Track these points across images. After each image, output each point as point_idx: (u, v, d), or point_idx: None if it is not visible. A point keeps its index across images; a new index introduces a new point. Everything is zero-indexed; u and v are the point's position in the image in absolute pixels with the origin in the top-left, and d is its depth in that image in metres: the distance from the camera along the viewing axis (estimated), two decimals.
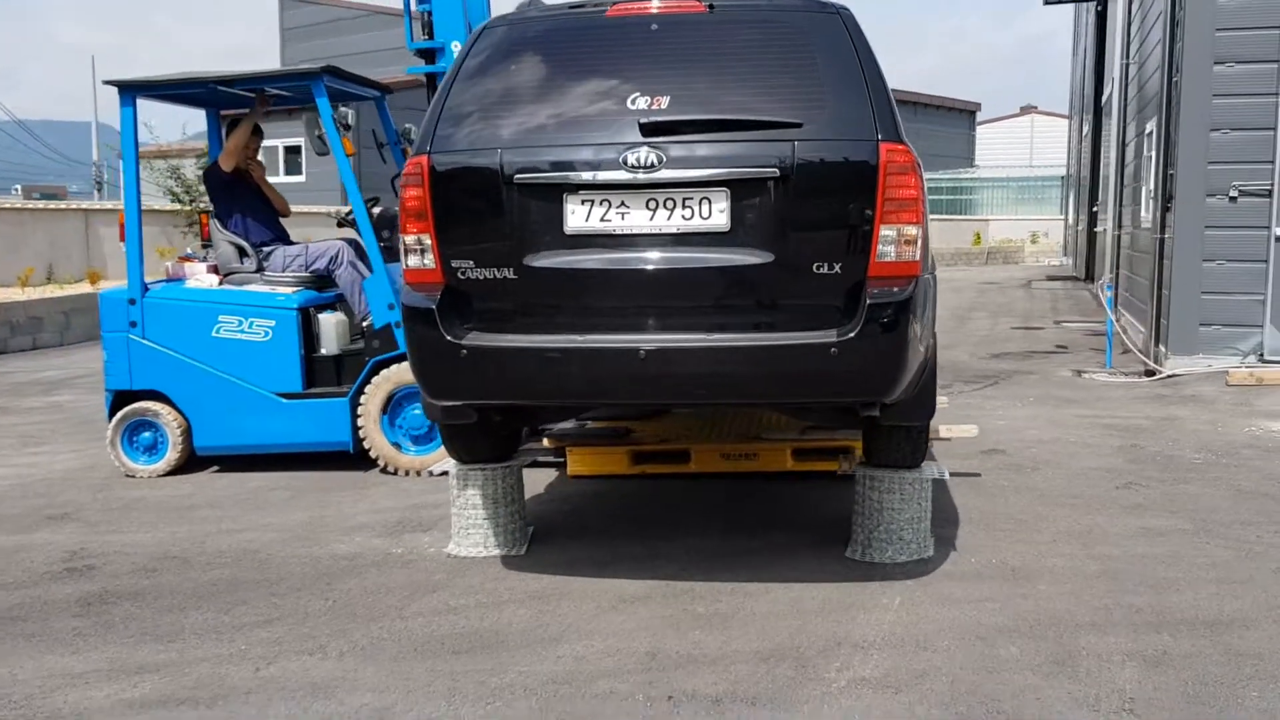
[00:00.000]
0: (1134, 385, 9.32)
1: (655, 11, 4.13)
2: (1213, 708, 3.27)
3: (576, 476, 6.17)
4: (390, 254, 6.62)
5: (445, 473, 5.18)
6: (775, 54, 4.04)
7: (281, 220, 7.21)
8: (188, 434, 6.64)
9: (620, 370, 3.92)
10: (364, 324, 6.85)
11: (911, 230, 3.89)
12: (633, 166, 3.89)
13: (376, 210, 6.96)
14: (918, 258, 3.92)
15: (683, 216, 3.93)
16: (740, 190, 3.90)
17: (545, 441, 5.98)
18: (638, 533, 5.20)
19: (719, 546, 4.95)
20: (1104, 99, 18.18)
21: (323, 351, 6.64)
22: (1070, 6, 24.14)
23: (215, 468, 6.80)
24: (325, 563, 4.88)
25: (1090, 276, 21.24)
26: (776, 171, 3.86)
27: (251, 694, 3.53)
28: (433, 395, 4.21)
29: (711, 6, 4.10)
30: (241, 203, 6.92)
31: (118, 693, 3.57)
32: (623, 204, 3.96)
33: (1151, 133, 11.44)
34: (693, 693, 3.44)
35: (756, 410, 4.70)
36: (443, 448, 6.35)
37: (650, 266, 3.95)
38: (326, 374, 6.61)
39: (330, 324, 6.65)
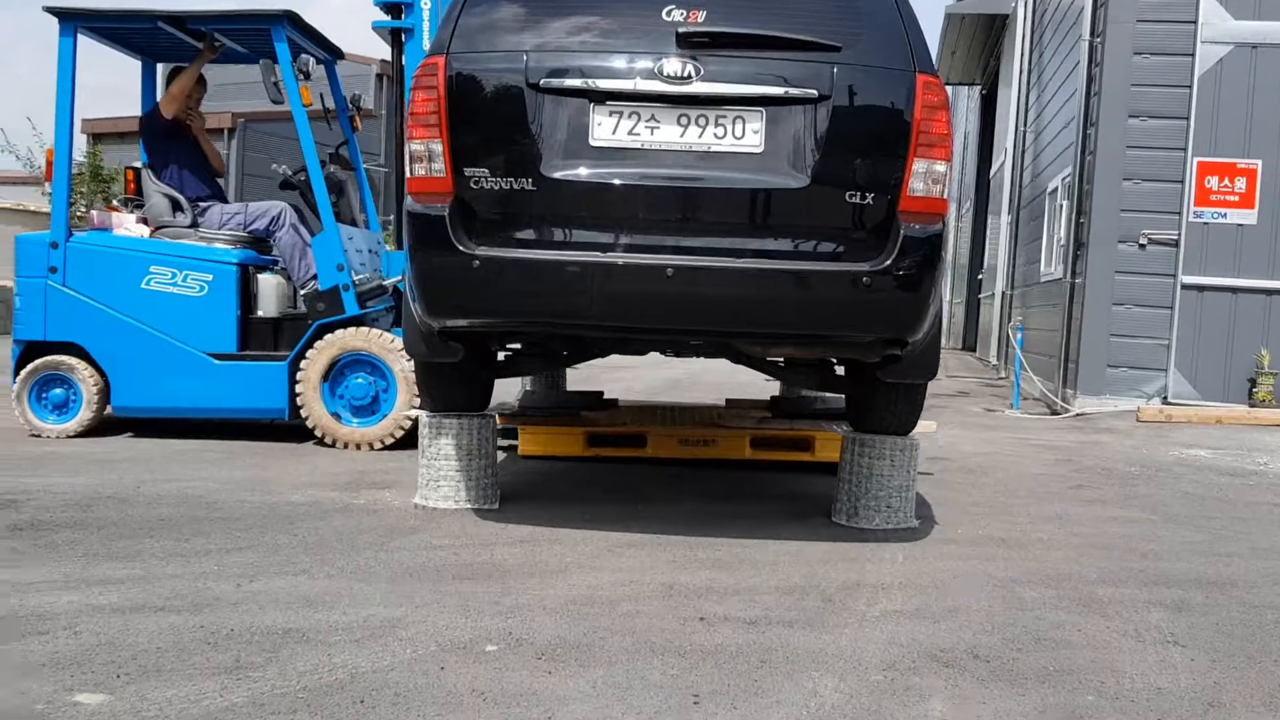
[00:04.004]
0: (1046, 420, 9.53)
1: None
2: (1253, 642, 3.23)
3: (528, 457, 5.92)
4: (338, 219, 6.33)
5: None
6: None
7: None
8: (104, 393, 6.16)
9: (644, 289, 3.75)
10: (302, 291, 6.50)
11: (940, 168, 3.85)
12: (668, 77, 3.76)
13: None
14: (945, 195, 3.88)
15: (715, 134, 3.81)
16: (776, 111, 3.80)
17: (497, 419, 5.73)
18: (609, 499, 4.99)
19: (697, 511, 4.77)
20: (993, 170, 18.90)
21: (260, 313, 6.27)
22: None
23: (130, 433, 6.31)
24: (282, 509, 4.52)
25: (970, 346, 21.92)
26: (815, 94, 3.78)
27: (240, 604, 3.19)
28: (434, 313, 3.94)
29: None
30: (178, 154, 6.53)
31: (83, 599, 3.18)
32: (653, 118, 3.82)
33: (1056, 189, 11.90)
34: (724, 615, 3.24)
35: (775, 347, 4.54)
36: (383, 422, 6.07)
37: (678, 184, 3.81)
38: (263, 337, 6.24)
39: (271, 284, 6.29)
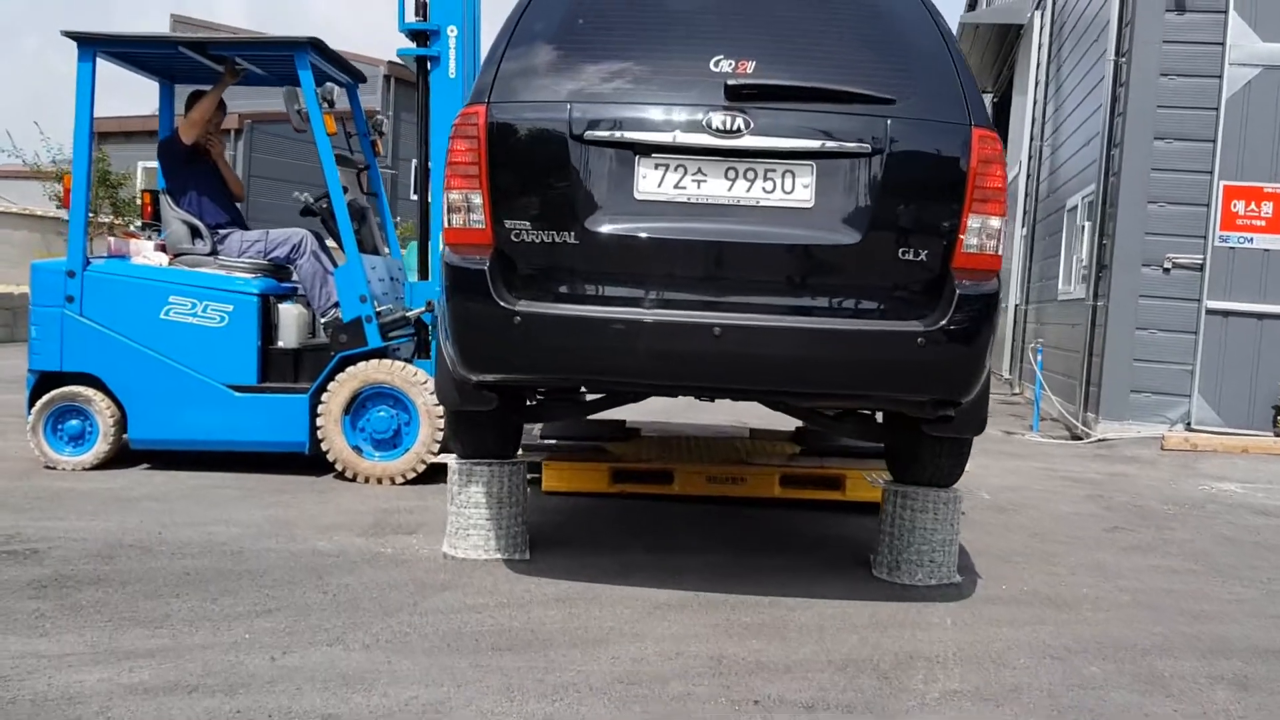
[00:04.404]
0: (1069, 446, 9.40)
1: None
2: None
3: (551, 493, 5.80)
4: (360, 247, 6.21)
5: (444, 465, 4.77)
6: (861, 25, 3.86)
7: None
8: (121, 424, 6.03)
9: (691, 348, 3.62)
10: (323, 319, 6.38)
11: (995, 223, 3.74)
12: (716, 130, 3.64)
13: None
14: (1000, 252, 3.76)
15: (764, 189, 3.69)
16: (826, 165, 3.68)
17: (519, 453, 5.61)
18: (641, 546, 4.86)
19: (733, 563, 4.65)
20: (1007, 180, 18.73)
21: (281, 344, 6.14)
22: None
23: (146, 465, 6.19)
24: (308, 558, 4.40)
25: None
26: (868, 148, 3.66)
27: (275, 683, 3.07)
28: (472, 368, 3.82)
29: None
30: (198, 180, 6.40)
31: (113, 677, 3.06)
32: (699, 171, 3.69)
33: (1076, 206, 11.77)
34: (779, 698, 3.12)
35: (820, 402, 4.42)
36: (405, 456, 5.95)
37: (726, 240, 3.69)
38: (283, 369, 6.11)
39: (292, 314, 6.16)
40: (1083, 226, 11.06)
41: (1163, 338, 9.65)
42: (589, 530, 5.23)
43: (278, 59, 6.30)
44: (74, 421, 6.02)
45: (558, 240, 3.72)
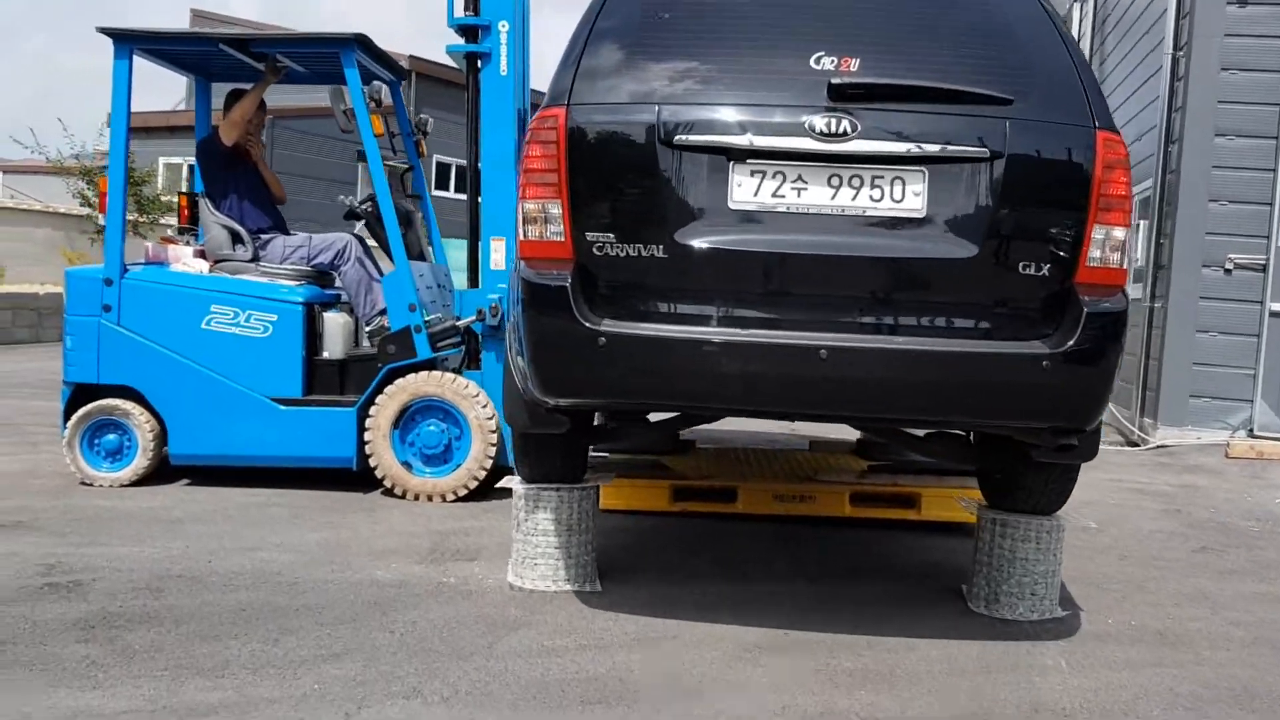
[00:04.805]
0: (1128, 453, 9.08)
1: None
2: None
3: (608, 511, 5.52)
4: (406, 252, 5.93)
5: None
6: (969, 17, 3.56)
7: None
8: (160, 439, 5.78)
9: (794, 372, 3.34)
10: (368, 328, 6.12)
11: (1120, 234, 3.44)
12: (820, 134, 3.34)
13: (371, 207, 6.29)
14: (1125, 265, 3.47)
15: (870, 197, 3.40)
16: (939, 172, 3.39)
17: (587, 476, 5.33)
18: (712, 572, 4.59)
19: (815, 593, 4.36)
20: None
21: (326, 355, 5.88)
22: None
23: (186, 480, 5.93)
24: (368, 589, 4.13)
25: None
26: (986, 153, 3.36)
27: None
28: (550, 391, 3.53)
29: None
30: (238, 183, 6.14)
31: None
32: (800, 178, 3.40)
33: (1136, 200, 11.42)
34: None
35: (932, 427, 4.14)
36: (457, 472, 5.68)
37: (830, 252, 3.40)
38: (329, 380, 5.85)
39: (337, 324, 5.90)
40: (1137, 225, 10.72)
41: (1224, 341, 9.31)
42: (653, 553, 4.96)
43: (321, 56, 6.02)
44: (111, 436, 5.76)
45: (644, 254, 3.44)
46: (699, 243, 3.41)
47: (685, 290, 3.45)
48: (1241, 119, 9.22)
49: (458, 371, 5.97)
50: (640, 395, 3.54)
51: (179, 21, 31.35)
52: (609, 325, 3.42)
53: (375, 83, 5.78)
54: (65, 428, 5.75)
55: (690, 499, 5.49)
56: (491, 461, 5.69)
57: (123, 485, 5.74)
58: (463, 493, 5.71)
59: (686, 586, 4.36)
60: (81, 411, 5.73)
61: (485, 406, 5.67)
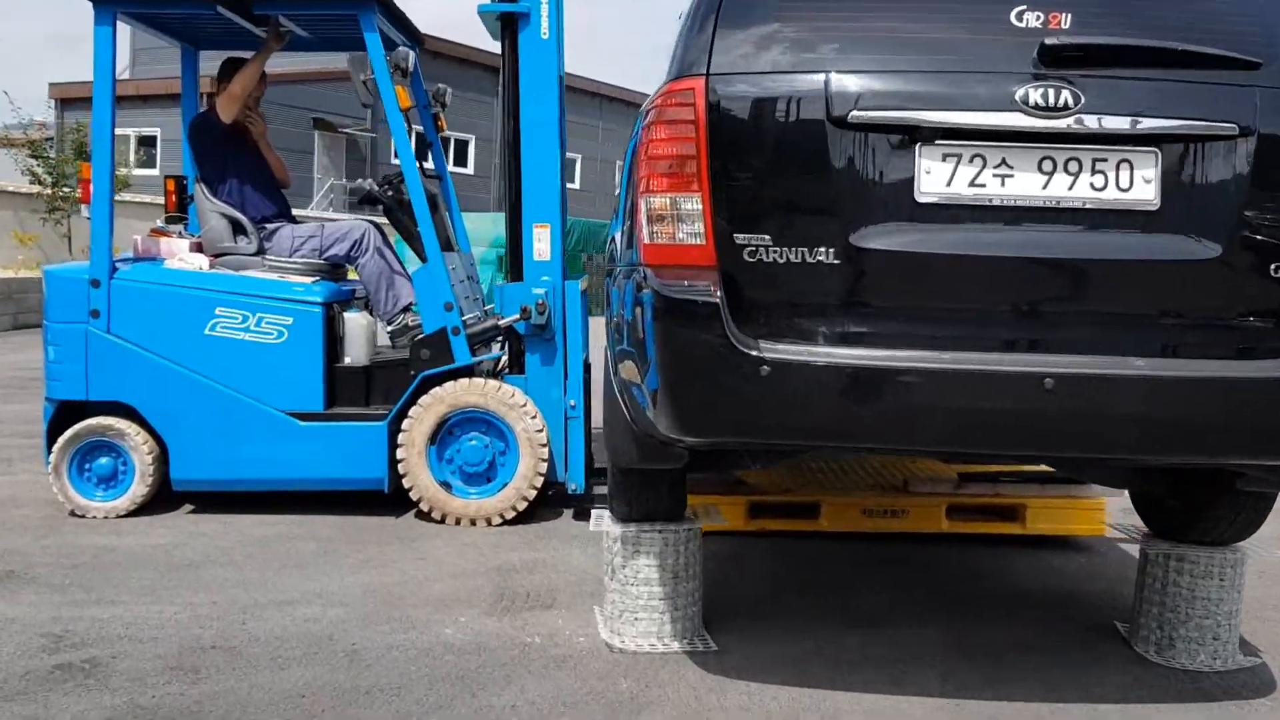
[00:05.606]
0: None
1: None
2: None
3: None
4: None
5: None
6: None
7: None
8: (160, 461, 5.04)
9: (1013, 406, 2.70)
10: (389, 328, 5.42)
11: None
12: (1032, 108, 2.70)
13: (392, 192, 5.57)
14: None
15: (1091, 185, 2.76)
16: (1174, 153, 2.76)
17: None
18: (828, 615, 3.98)
19: (957, 641, 3.76)
20: None
21: (349, 361, 5.17)
22: None
23: (189, 506, 5.21)
24: (444, 659, 3.46)
25: None
26: (1234, 129, 2.73)
27: None
28: (690, 430, 2.87)
29: None
30: (238, 165, 5.38)
31: None
32: (1003, 162, 2.76)
33: None
34: None
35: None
36: (504, 492, 5.02)
37: (1045, 255, 2.77)
38: (353, 390, 5.14)
39: (359, 325, 5.19)
40: None
41: None
42: (741, 585, 4.35)
43: (333, 19, 5.27)
44: (104, 460, 5.02)
45: (810, 260, 2.78)
46: (881, 245, 2.76)
47: (865, 305, 2.79)
48: None
49: (496, 376, 5.29)
50: (812, 437, 2.88)
51: None
52: (771, 351, 2.76)
53: (400, 49, 5.04)
54: (50, 452, 4.99)
55: (767, 515, 4.89)
56: (542, 479, 5.03)
57: (119, 516, 5.00)
58: (510, 515, 5.04)
59: (807, 636, 3.74)
60: (70, 433, 4.97)
61: (535, 418, 5.00)
